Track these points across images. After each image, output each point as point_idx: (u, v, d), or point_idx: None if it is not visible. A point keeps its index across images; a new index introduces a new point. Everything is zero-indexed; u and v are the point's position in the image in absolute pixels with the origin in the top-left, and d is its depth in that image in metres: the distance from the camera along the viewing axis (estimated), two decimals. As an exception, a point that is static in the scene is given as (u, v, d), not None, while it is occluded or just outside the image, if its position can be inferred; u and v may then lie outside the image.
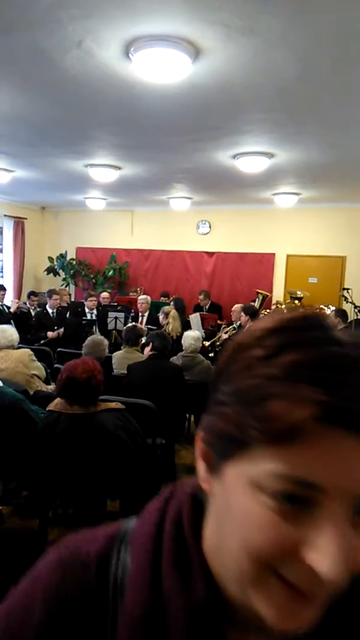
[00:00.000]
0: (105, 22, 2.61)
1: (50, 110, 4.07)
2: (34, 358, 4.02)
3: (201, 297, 8.83)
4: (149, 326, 6.85)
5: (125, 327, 5.06)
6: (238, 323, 6.71)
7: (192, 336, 4.70)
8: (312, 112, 3.91)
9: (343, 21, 2.50)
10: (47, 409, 2.84)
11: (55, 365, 5.26)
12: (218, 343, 6.80)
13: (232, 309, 7.01)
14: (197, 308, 8.82)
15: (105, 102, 3.83)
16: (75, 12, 2.51)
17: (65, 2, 2.43)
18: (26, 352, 3.93)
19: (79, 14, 2.54)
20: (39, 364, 4.09)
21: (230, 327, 6.90)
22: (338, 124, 4.17)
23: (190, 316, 7.27)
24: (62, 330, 6.91)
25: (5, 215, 9.80)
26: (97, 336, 3.95)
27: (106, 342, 4.00)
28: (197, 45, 2.83)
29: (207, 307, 8.82)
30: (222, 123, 4.26)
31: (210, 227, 9.68)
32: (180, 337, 6.33)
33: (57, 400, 2.83)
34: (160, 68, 2.99)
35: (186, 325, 6.99)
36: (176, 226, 9.87)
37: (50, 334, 6.80)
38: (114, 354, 4.75)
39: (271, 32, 2.64)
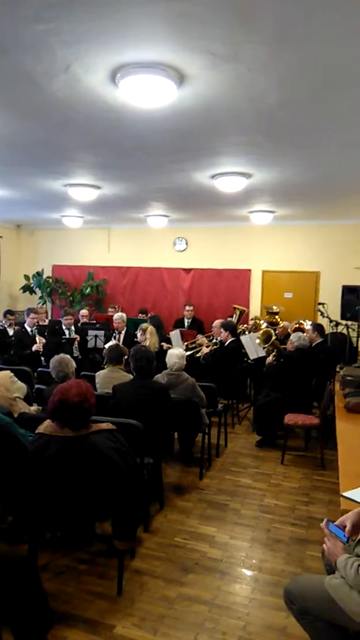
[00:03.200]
0: (94, 49, 2.66)
1: (34, 131, 4.08)
2: (15, 379, 3.94)
3: (190, 308, 8.99)
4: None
5: (108, 347, 5.04)
6: (219, 338, 6.77)
7: (176, 354, 4.70)
8: (290, 136, 4.04)
9: (325, 51, 2.61)
10: (36, 431, 2.81)
11: (37, 386, 5.20)
12: (198, 355, 6.82)
13: (213, 324, 7.08)
14: (178, 323, 8.88)
15: (90, 125, 3.87)
16: (65, 38, 2.55)
17: (55, 29, 2.47)
18: (6, 375, 3.85)
19: (68, 40, 2.57)
20: (20, 384, 4.01)
21: (212, 342, 6.94)
22: (315, 147, 4.31)
23: (170, 333, 7.30)
24: (44, 340, 6.86)
25: (-21, 234, 9.69)
26: (60, 355, 3.95)
27: (68, 357, 3.99)
28: (182, 72, 2.90)
29: (190, 320, 8.90)
30: (202, 145, 4.36)
31: (187, 244, 9.79)
32: (158, 352, 6.36)
33: (47, 422, 2.81)
34: (146, 94, 3.04)
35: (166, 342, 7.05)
36: (153, 243, 9.95)
37: (35, 346, 6.74)
38: (98, 373, 4.73)
39: (255, 60, 2.74)
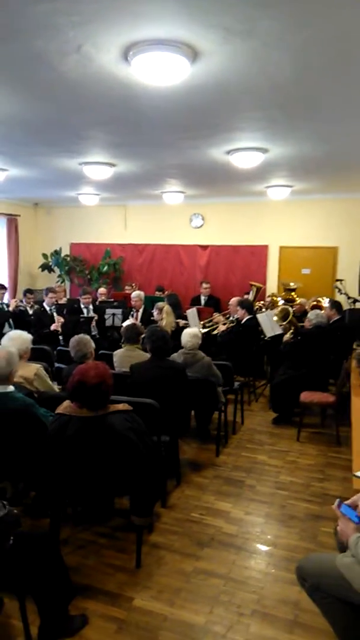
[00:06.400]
0: (105, 27, 2.61)
1: (48, 111, 4.06)
2: (44, 376, 3.76)
3: (207, 286, 8.94)
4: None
5: (125, 326, 5.08)
6: (235, 316, 6.76)
7: (190, 333, 4.73)
8: (306, 109, 3.94)
9: (339, 24, 2.53)
10: (56, 411, 2.89)
11: (57, 365, 5.29)
12: (215, 333, 6.83)
13: (230, 302, 7.06)
14: (195, 301, 8.88)
15: (103, 104, 3.83)
16: (75, 18, 2.52)
17: (65, 9, 2.43)
18: (31, 371, 3.67)
19: (79, 20, 2.54)
20: (49, 383, 3.83)
21: (229, 319, 6.95)
22: (332, 119, 4.20)
23: (187, 311, 7.32)
24: (62, 319, 6.98)
25: (-2, 213, 9.74)
26: (80, 335, 3.96)
27: (87, 337, 3.99)
28: (195, 48, 2.84)
29: (207, 297, 8.89)
30: (217, 121, 4.28)
31: (203, 220, 9.70)
32: (175, 331, 6.40)
33: (66, 402, 2.88)
34: (159, 71, 2.99)
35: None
36: (169, 220, 9.88)
37: (53, 325, 6.88)
38: (115, 352, 4.79)
39: (269, 34, 2.66)
